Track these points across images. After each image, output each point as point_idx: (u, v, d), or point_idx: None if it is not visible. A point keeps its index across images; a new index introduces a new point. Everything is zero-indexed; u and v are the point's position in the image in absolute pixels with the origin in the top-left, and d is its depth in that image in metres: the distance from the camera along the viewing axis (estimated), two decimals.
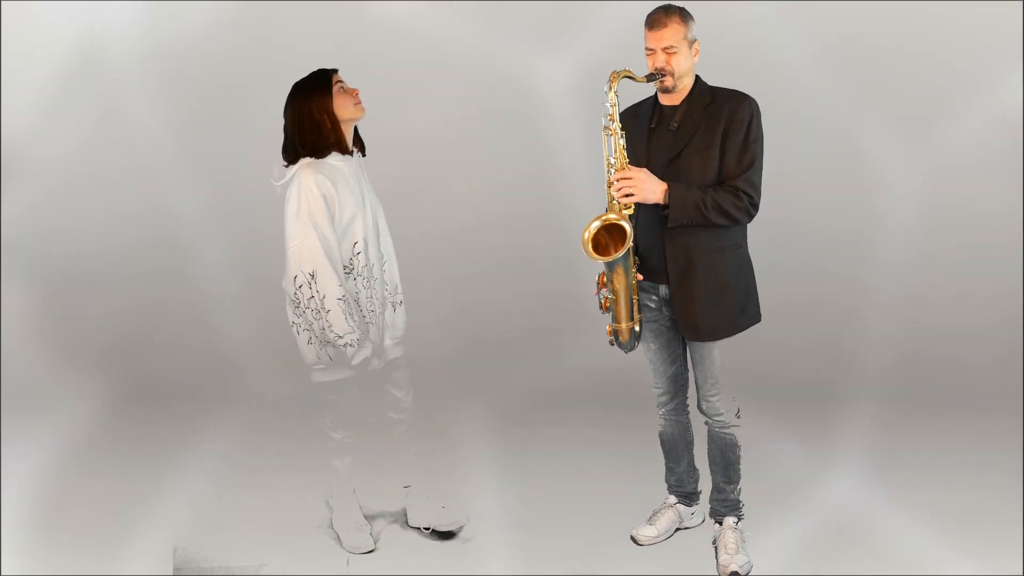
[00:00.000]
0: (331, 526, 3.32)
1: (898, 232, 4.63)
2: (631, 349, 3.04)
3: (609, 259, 2.82)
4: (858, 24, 4.50)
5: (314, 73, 3.05)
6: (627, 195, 2.80)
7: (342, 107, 3.02)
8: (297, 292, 2.96)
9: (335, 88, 3.02)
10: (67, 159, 4.69)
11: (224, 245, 4.73)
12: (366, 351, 3.01)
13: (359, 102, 3.05)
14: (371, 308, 3.08)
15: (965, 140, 4.61)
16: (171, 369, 4.57)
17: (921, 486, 3.59)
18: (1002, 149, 4.60)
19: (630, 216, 2.86)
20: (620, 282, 2.90)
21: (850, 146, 4.62)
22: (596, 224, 2.82)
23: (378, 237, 3.13)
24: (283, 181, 3.00)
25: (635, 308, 2.96)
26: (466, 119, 4.67)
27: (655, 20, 2.85)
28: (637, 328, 2.99)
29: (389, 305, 3.17)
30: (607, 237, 2.84)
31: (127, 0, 4.58)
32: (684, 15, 2.86)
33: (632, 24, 4.38)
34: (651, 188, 2.80)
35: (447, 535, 3.27)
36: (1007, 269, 4.62)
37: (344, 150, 3.04)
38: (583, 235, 2.80)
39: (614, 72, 2.83)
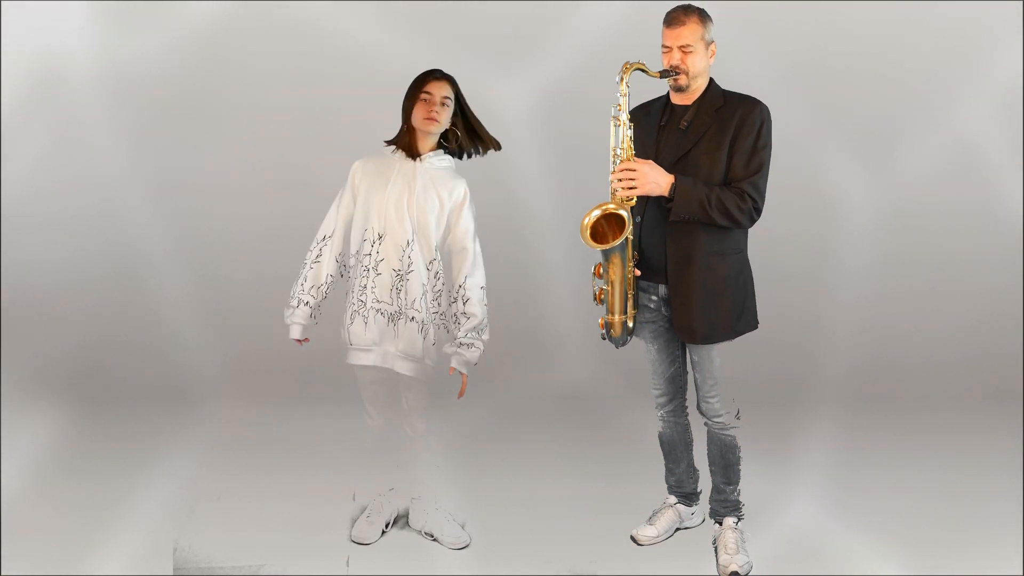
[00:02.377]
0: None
1: (858, 237, 4.67)
2: (623, 344, 3.01)
3: (605, 247, 2.81)
4: (814, 39, 4.53)
5: (424, 72, 3.08)
6: (630, 187, 2.80)
7: (416, 115, 3.04)
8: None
9: (420, 95, 3.03)
10: (21, 179, 4.72)
11: (180, 265, 4.77)
12: (294, 317, 3.14)
13: (430, 116, 3.01)
14: (362, 299, 3.08)
15: (924, 147, 4.65)
16: (131, 390, 4.53)
17: (894, 487, 3.63)
18: (960, 155, 4.64)
19: (634, 212, 2.86)
20: (616, 273, 2.88)
21: (810, 153, 4.64)
22: (596, 213, 2.81)
23: (408, 243, 3.05)
24: None
25: (630, 302, 2.94)
26: None
27: (673, 18, 2.85)
28: (631, 324, 2.97)
29: (403, 317, 3.10)
30: (606, 226, 2.84)
31: (81, 8, 4.62)
32: (703, 16, 2.85)
33: (590, 42, 4.56)
34: (655, 180, 2.80)
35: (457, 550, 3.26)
36: (967, 271, 4.66)
37: (410, 154, 3.07)
38: (582, 221, 2.80)
39: (627, 63, 2.82)
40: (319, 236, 3.14)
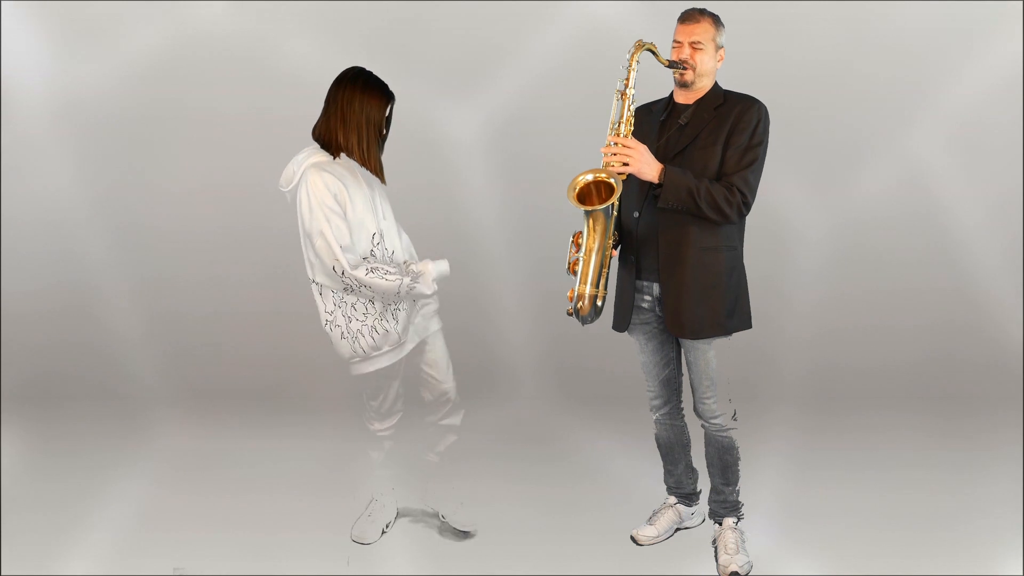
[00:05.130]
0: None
1: (812, 242, 4.69)
2: (590, 322, 2.92)
3: (590, 208, 2.80)
4: (771, 48, 4.54)
5: (382, 83, 3.05)
6: (623, 163, 2.80)
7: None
8: (343, 278, 2.96)
9: (385, 121, 3.04)
10: None
11: (130, 285, 4.81)
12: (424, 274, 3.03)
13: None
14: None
15: (876, 158, 4.68)
16: (87, 394, 4.57)
17: (849, 486, 3.65)
18: (909, 166, 4.67)
19: (632, 208, 2.87)
20: (594, 240, 2.84)
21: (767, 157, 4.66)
22: (588, 177, 2.81)
23: (383, 219, 3.10)
24: (290, 187, 3.00)
25: (603, 280, 2.89)
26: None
27: (688, 15, 2.91)
28: (600, 303, 2.90)
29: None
30: (595, 193, 2.83)
31: (31, 32, 4.67)
32: (716, 19, 2.91)
33: (537, 63, 4.62)
34: (647, 162, 2.81)
35: (462, 534, 3.29)
36: (921, 272, 4.70)
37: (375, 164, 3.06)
38: (574, 179, 2.80)
39: (639, 41, 2.85)
40: (349, 263, 2.96)
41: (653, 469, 3.41)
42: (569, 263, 2.89)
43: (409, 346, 3.15)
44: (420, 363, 3.26)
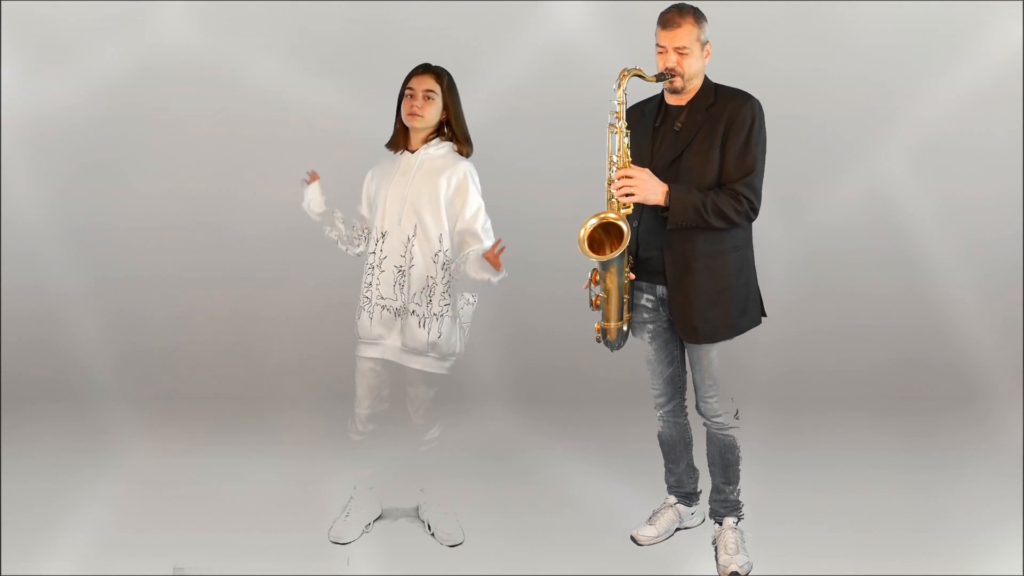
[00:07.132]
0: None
1: (780, 244, 4.71)
2: (618, 348, 3.02)
3: (604, 259, 2.81)
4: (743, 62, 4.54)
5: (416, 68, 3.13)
6: (627, 194, 2.79)
7: (403, 111, 3.11)
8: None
9: (406, 91, 3.09)
10: None
11: (91, 288, 4.82)
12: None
13: (412, 112, 3.07)
14: (367, 295, 3.13)
15: (844, 160, 4.72)
16: (46, 411, 4.50)
17: (815, 486, 3.67)
18: (879, 167, 4.73)
19: (631, 216, 2.85)
20: (612, 281, 2.88)
21: None
22: (593, 222, 2.80)
23: (409, 239, 3.08)
24: None
25: (625, 308, 2.94)
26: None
27: (669, 20, 2.83)
28: (625, 328, 2.97)
29: (406, 312, 3.11)
30: (603, 235, 2.83)
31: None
32: (698, 16, 2.84)
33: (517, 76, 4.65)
34: (652, 188, 2.78)
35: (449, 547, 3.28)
36: (885, 276, 4.75)
37: (397, 147, 3.16)
38: (579, 232, 2.79)
39: (624, 69, 2.81)
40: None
41: (653, 469, 3.41)
42: (591, 300, 2.93)
43: (369, 351, 3.14)
44: (407, 384, 3.24)
